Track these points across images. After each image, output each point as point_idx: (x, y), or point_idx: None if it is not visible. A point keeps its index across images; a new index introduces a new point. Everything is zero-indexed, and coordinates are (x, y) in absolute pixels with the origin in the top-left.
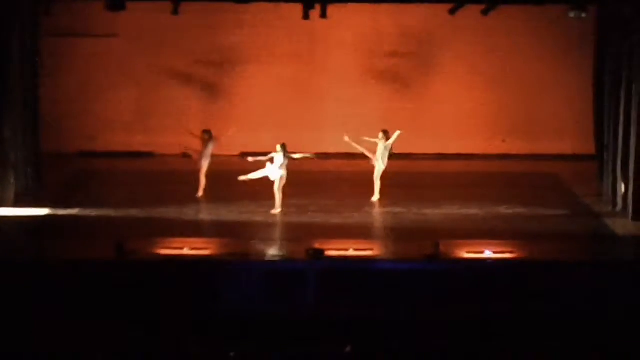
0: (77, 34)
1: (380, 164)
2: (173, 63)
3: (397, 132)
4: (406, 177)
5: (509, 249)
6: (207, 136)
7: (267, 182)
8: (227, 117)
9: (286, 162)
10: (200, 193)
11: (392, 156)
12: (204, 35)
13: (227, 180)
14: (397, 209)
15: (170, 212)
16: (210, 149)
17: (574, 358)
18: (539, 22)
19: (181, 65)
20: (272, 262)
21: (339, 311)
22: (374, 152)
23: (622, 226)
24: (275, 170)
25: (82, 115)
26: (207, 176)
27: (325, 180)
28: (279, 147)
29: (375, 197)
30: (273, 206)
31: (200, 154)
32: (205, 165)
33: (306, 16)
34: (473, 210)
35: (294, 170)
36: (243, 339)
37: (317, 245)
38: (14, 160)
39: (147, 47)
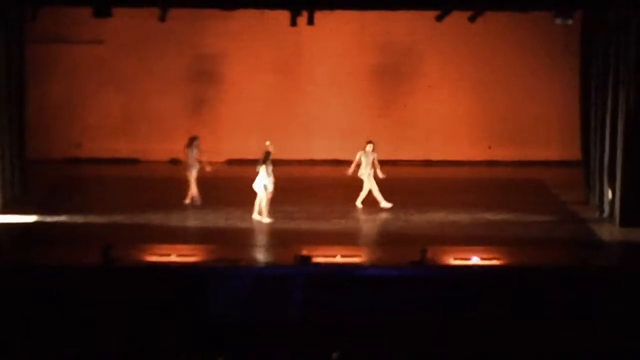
0: (64, 40)
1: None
2: (159, 69)
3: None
4: (393, 183)
5: (496, 255)
6: (196, 142)
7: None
8: (214, 124)
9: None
10: (188, 200)
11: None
12: (191, 41)
13: (213, 187)
14: (384, 215)
15: (156, 218)
16: (196, 153)
17: None
18: (525, 29)
19: (167, 72)
20: (260, 268)
21: (326, 317)
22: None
23: (609, 232)
24: (269, 179)
25: (68, 122)
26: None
27: (313, 186)
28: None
29: (359, 203)
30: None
31: (188, 160)
32: (194, 171)
33: (294, 22)
34: (460, 217)
35: (281, 178)
36: (231, 344)
37: (304, 252)
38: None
39: (133, 53)
